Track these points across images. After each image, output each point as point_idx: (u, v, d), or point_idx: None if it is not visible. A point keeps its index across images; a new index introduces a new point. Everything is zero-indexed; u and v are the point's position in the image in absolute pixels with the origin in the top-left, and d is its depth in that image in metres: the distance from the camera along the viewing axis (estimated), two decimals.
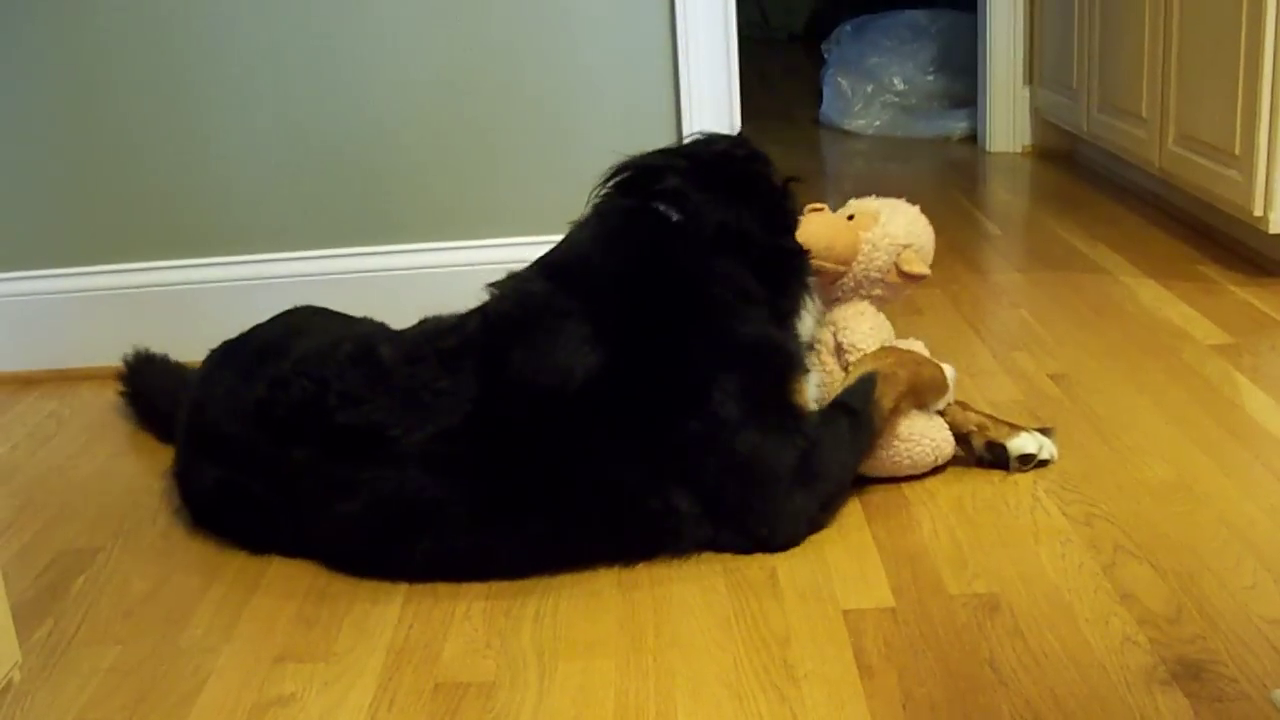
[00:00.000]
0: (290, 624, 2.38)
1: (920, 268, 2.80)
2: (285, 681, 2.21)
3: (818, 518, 2.55)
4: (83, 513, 2.87)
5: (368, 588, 2.48)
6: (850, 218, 2.82)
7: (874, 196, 2.91)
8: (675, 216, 2.61)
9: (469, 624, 2.34)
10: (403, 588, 2.47)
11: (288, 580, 2.53)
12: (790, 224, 2.74)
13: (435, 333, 2.65)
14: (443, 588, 2.46)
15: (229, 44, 3.53)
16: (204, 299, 3.62)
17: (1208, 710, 1.97)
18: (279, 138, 3.59)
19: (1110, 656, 2.12)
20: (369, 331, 2.80)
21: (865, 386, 2.63)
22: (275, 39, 3.53)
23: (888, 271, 2.79)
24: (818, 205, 2.84)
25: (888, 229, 2.79)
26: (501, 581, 2.47)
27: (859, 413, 2.60)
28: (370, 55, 3.55)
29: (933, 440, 2.72)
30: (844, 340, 2.76)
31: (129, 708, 2.16)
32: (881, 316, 2.83)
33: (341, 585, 2.49)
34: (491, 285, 2.65)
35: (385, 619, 2.37)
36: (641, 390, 2.47)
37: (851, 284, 2.80)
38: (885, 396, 2.62)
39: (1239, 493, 2.61)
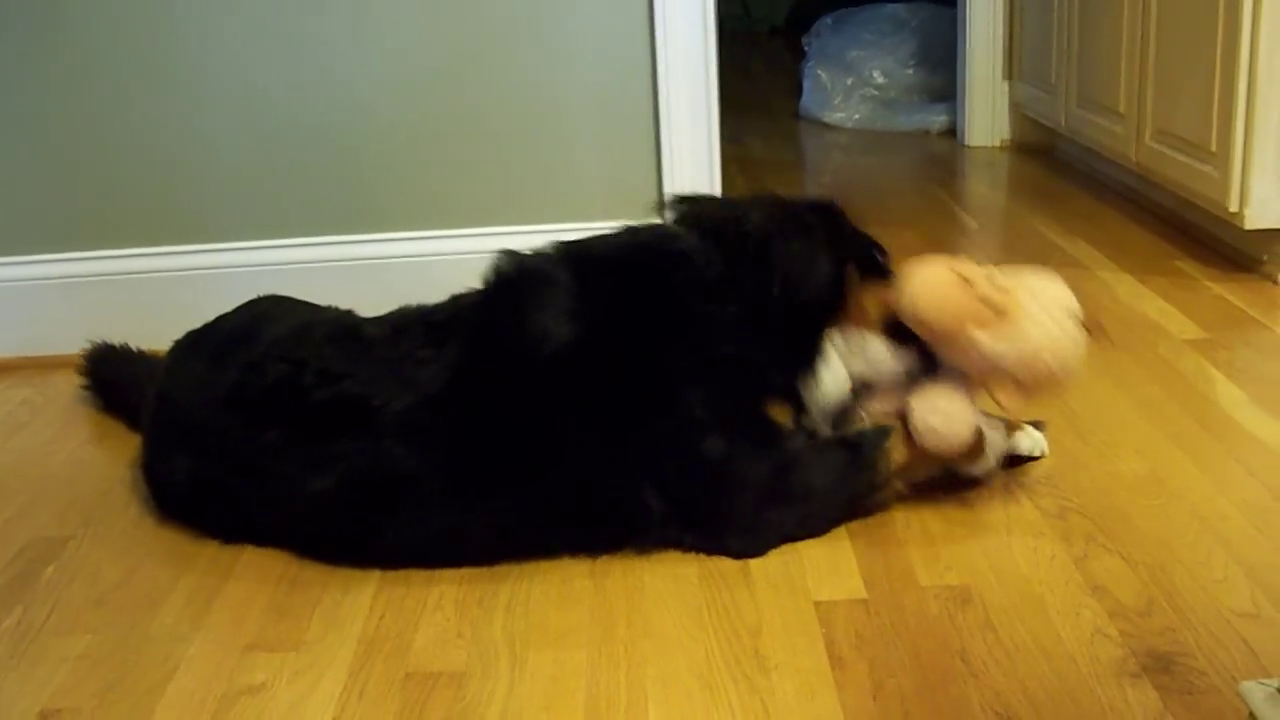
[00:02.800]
0: (261, 613, 2.38)
1: (1009, 400, 2.46)
2: (255, 670, 2.20)
3: (794, 534, 2.51)
4: (54, 500, 2.86)
5: (339, 577, 2.47)
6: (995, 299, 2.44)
7: (1036, 278, 2.49)
8: (695, 259, 2.55)
9: (440, 613, 2.34)
10: (374, 577, 2.46)
11: (259, 569, 2.53)
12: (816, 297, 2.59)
13: (424, 309, 2.67)
14: (415, 576, 2.45)
15: (213, 31, 3.52)
16: (183, 286, 3.61)
17: (1177, 703, 1.97)
18: (261, 125, 3.59)
19: (1081, 649, 2.12)
20: (341, 316, 2.81)
21: (878, 434, 2.55)
22: (259, 26, 3.52)
23: (974, 376, 2.50)
24: (948, 266, 2.51)
25: (997, 348, 2.42)
26: (473, 568, 2.47)
27: (861, 452, 2.54)
28: (355, 43, 3.54)
29: None
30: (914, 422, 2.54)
31: (98, 696, 2.15)
32: (961, 405, 2.52)
33: (313, 574, 2.49)
34: (502, 253, 2.65)
35: (356, 608, 2.37)
36: (612, 374, 2.46)
37: (941, 360, 2.54)
38: (897, 449, 2.54)
39: (1212, 487, 2.62)
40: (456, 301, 2.64)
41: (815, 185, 5.62)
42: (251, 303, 2.92)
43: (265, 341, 2.65)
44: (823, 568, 2.41)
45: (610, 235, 2.68)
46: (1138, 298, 3.71)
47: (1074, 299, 2.48)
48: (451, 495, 2.46)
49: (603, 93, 3.59)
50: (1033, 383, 2.45)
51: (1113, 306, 3.67)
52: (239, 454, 2.55)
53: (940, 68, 6.40)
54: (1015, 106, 5.84)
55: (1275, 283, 3.74)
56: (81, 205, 3.63)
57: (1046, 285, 2.48)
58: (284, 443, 2.51)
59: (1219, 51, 3.71)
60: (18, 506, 2.84)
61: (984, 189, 5.31)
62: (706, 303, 2.51)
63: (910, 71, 6.57)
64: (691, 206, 2.70)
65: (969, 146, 5.95)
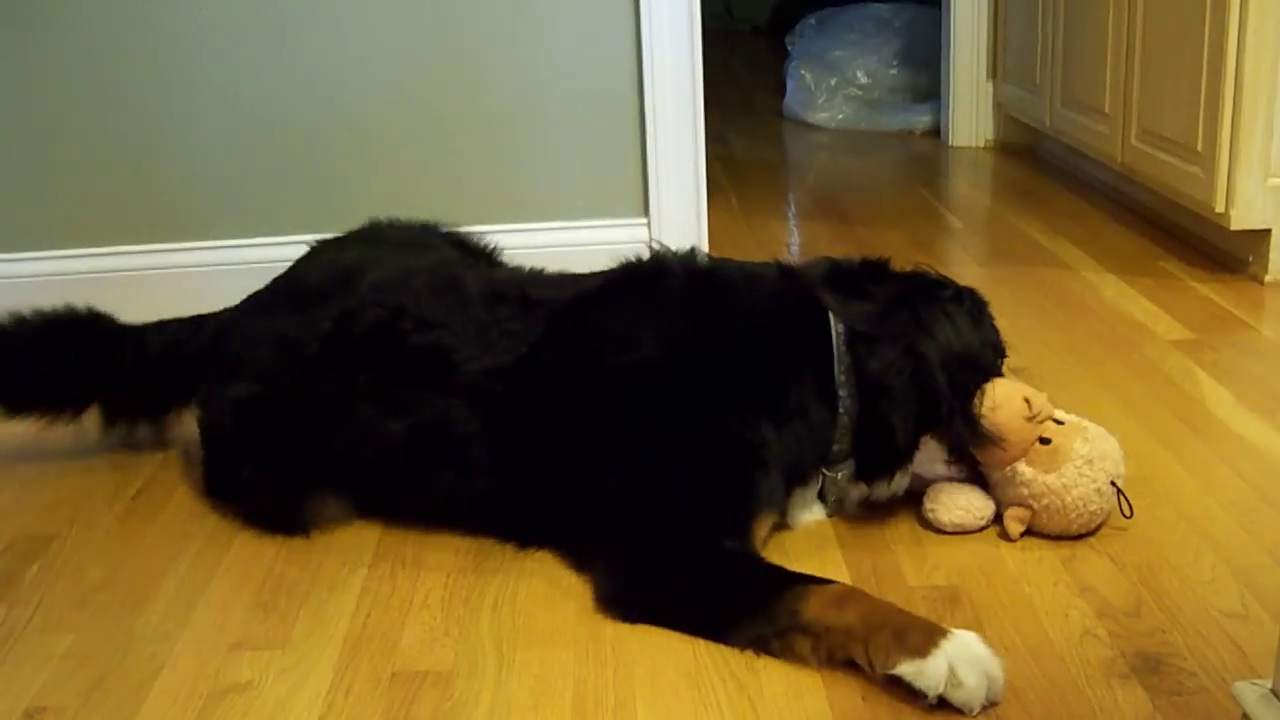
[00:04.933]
0: (247, 611, 2.37)
1: (1014, 529, 2.46)
2: (241, 669, 2.19)
3: (662, 623, 2.27)
4: (38, 499, 2.85)
5: (325, 576, 2.47)
6: (1047, 432, 2.46)
7: (1097, 428, 2.51)
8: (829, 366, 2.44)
9: (427, 612, 2.33)
10: (360, 575, 2.46)
11: (245, 567, 2.52)
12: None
13: (532, 277, 2.72)
14: (401, 575, 2.45)
15: (193, 30, 3.51)
16: (164, 284, 3.60)
17: (1166, 703, 1.97)
18: (241, 124, 3.57)
19: (1069, 649, 2.12)
20: (445, 261, 2.88)
21: (821, 590, 2.20)
22: (239, 24, 3.51)
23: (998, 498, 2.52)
24: (1019, 392, 2.48)
25: (1038, 483, 2.43)
26: (459, 566, 2.47)
27: (780, 599, 2.19)
28: (336, 43, 3.53)
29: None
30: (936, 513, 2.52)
31: (83, 695, 2.14)
32: (980, 498, 2.52)
33: (299, 573, 2.48)
34: (656, 245, 2.66)
35: (342, 607, 2.36)
36: (650, 411, 2.42)
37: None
38: (815, 609, 2.15)
39: (1199, 487, 2.62)
40: (576, 283, 2.65)
41: (799, 185, 5.62)
42: (344, 240, 3.02)
43: (364, 287, 2.70)
44: (811, 568, 2.38)
45: (762, 280, 2.57)
46: (1123, 298, 3.71)
47: (1122, 463, 2.49)
48: (495, 465, 2.49)
49: (588, 92, 3.59)
50: (1046, 524, 2.46)
51: (1098, 307, 3.67)
52: (328, 399, 2.60)
53: (924, 67, 6.40)
54: (999, 106, 5.84)
55: (1261, 283, 3.74)
56: (62, 203, 3.61)
57: (1104, 440, 2.48)
58: (373, 386, 2.57)
59: (1205, 51, 3.71)
60: (1, 505, 2.83)
61: (968, 189, 5.31)
62: (807, 406, 2.42)
63: (894, 71, 6.57)
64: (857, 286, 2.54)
65: (953, 147, 5.95)
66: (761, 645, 2.17)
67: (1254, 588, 2.27)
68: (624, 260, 2.63)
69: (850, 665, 2.09)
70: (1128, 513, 2.45)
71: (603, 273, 2.63)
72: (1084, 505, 2.42)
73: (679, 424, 2.40)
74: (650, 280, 2.56)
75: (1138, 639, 2.14)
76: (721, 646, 2.18)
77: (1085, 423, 2.50)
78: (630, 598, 2.30)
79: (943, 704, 1.99)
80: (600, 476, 2.42)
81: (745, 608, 2.21)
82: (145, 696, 2.13)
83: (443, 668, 2.17)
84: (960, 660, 2.01)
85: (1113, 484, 2.45)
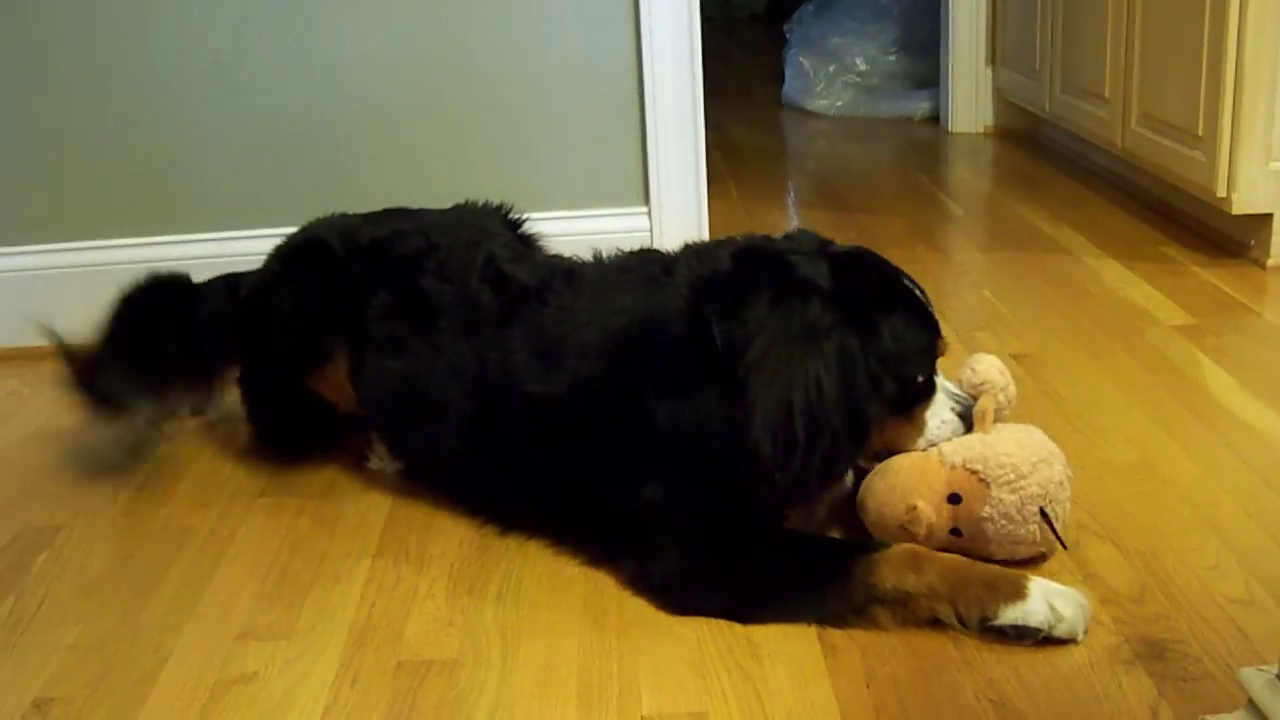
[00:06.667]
0: (252, 602, 2.37)
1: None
2: (247, 659, 2.20)
3: (731, 611, 2.25)
4: (44, 490, 2.85)
5: (330, 566, 2.47)
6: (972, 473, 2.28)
7: (1030, 454, 2.29)
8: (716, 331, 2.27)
9: (431, 602, 2.33)
10: (364, 565, 2.47)
11: (249, 558, 2.52)
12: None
13: (541, 266, 2.70)
14: (405, 565, 2.46)
15: (202, 18, 3.50)
16: None
17: (1172, 690, 1.97)
18: (246, 116, 3.57)
19: None
20: (494, 235, 2.86)
21: (869, 552, 2.21)
22: (241, 16, 3.51)
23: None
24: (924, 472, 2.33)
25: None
26: (463, 555, 2.48)
27: (849, 577, 2.19)
28: (338, 34, 3.53)
29: None
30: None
31: (90, 685, 2.15)
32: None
33: (303, 563, 2.49)
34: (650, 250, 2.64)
35: (347, 597, 2.36)
36: (599, 409, 2.38)
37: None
38: (890, 573, 2.17)
39: (1202, 473, 2.62)
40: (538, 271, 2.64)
41: (799, 172, 5.62)
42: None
43: (421, 217, 2.91)
44: None
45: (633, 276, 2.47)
46: (1125, 284, 3.71)
47: (1060, 485, 2.32)
48: (462, 429, 2.55)
49: (589, 82, 3.58)
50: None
51: (1099, 293, 3.67)
52: (359, 303, 2.72)
53: (923, 54, 6.40)
54: (999, 92, 5.84)
55: (1263, 268, 3.74)
56: (67, 196, 3.61)
57: (1029, 479, 2.28)
58: (386, 308, 2.68)
59: (1206, 34, 3.71)
60: (8, 497, 2.83)
61: (968, 175, 5.31)
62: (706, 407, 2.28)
63: (893, 58, 6.57)
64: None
65: (952, 133, 5.96)
66: (836, 621, 2.19)
67: (1258, 573, 2.26)
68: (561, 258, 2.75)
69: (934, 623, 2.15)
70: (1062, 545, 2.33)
71: (545, 269, 2.64)
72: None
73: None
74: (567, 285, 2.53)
75: (1142, 625, 2.14)
76: (725, 635, 2.18)
77: (1019, 447, 2.31)
78: (691, 591, 2.27)
79: (940, 683, 1.99)
80: (578, 490, 2.43)
81: (814, 589, 2.22)
82: (152, 687, 2.14)
83: (447, 657, 2.17)
84: (1054, 595, 2.11)
85: (1041, 511, 2.29)
